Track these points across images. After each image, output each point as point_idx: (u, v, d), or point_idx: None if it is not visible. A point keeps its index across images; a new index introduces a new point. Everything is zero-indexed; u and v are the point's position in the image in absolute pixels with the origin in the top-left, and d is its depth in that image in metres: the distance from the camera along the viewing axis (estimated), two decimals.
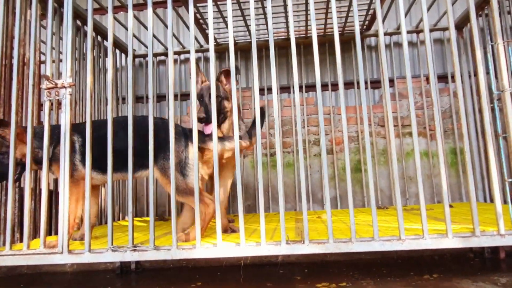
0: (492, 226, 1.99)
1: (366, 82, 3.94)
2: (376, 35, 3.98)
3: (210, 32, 2.02)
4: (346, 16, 3.53)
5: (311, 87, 4.08)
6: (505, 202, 2.72)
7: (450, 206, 3.57)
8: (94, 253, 1.94)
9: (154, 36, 2.59)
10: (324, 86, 4.01)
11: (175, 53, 4.15)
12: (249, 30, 3.63)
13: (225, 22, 3.52)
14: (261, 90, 4.10)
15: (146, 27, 3.71)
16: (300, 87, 4.01)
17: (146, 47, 4.16)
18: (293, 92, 4.01)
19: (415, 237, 1.88)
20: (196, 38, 4.03)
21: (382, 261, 3.31)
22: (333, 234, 1.92)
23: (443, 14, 3.68)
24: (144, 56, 4.17)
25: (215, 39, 3.94)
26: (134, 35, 3.73)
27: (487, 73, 3.26)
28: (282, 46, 4.04)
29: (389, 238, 1.88)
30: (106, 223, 3.37)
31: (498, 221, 1.86)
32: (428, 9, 3.63)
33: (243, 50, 4.14)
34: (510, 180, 1.96)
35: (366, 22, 3.73)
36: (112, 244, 1.93)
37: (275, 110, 1.96)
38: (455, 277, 2.61)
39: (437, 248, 1.87)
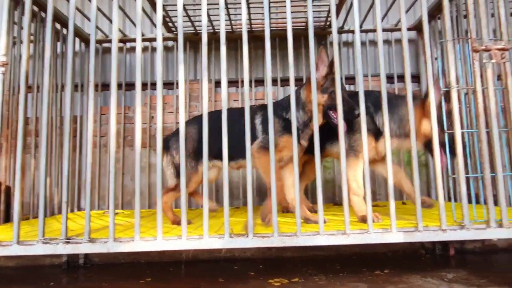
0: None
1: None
2: (350, 31, 3.99)
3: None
4: (306, 12, 3.50)
5: (259, 82, 4.04)
6: (455, 199, 2.81)
7: (403, 203, 3.63)
8: (23, 245, 1.80)
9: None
10: (274, 82, 3.98)
11: (128, 40, 4.00)
12: (211, 21, 3.54)
13: (186, 11, 3.41)
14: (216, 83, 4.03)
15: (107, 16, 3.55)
16: (250, 82, 3.96)
17: (102, 31, 3.98)
18: (242, 87, 4.05)
19: (360, 231, 1.87)
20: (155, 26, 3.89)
21: (337, 257, 3.33)
22: (278, 228, 1.87)
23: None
24: (101, 42, 3.98)
25: (176, 28, 3.82)
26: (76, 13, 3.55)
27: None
28: (228, 39, 3.97)
29: (334, 233, 1.86)
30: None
31: (440, 217, 1.87)
32: (389, 9, 3.68)
33: (192, 41, 4.05)
34: (454, 176, 1.98)
35: (329, 18, 3.71)
36: (43, 236, 1.80)
37: (223, 104, 1.90)
38: (405, 272, 2.65)
39: (381, 242, 1.87)
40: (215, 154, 2.26)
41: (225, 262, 3.23)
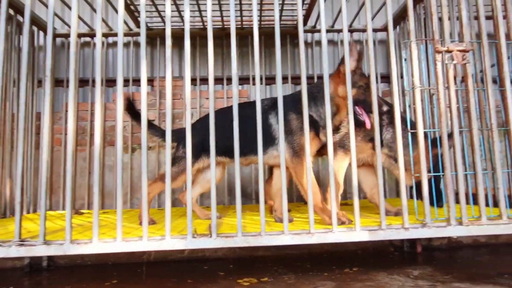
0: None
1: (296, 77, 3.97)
2: (311, 31, 4.00)
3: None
4: (281, 10, 3.49)
5: (244, 80, 4.02)
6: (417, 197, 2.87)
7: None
8: None
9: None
10: (268, 80, 3.97)
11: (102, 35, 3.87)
12: (181, 16, 3.47)
13: (155, 6, 3.33)
14: (194, 80, 3.97)
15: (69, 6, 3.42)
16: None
17: (69, 26, 3.84)
18: (227, 84, 4.01)
19: (324, 230, 1.87)
20: (125, 22, 3.79)
21: (308, 255, 3.34)
22: (242, 228, 1.85)
23: (374, 15, 3.77)
24: (67, 36, 3.84)
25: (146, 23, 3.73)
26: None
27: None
28: (217, 36, 3.92)
29: (299, 232, 1.85)
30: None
31: (403, 215, 1.89)
32: (360, 9, 3.72)
33: (176, 37, 3.96)
34: (417, 175, 2.01)
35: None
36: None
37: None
38: (373, 270, 2.68)
39: (345, 241, 1.87)
40: (221, 150, 2.25)
41: (196, 262, 3.18)
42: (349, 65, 2.06)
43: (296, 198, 3.93)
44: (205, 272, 2.83)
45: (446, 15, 1.98)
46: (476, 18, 2.10)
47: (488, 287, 2.13)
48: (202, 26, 3.64)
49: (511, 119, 1.98)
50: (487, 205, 2.01)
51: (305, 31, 4.00)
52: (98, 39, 1.85)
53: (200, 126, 2.51)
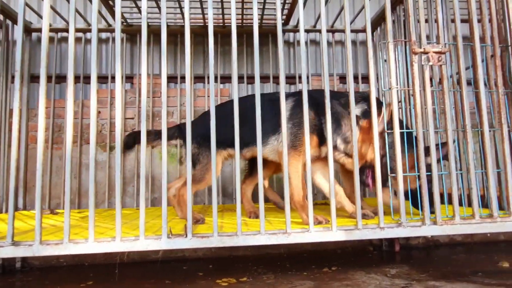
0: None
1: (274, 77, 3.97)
2: (293, 30, 3.99)
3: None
4: (263, 8, 3.48)
5: (227, 78, 3.98)
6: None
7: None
8: None
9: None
10: (240, 78, 3.94)
11: (78, 30, 3.78)
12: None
13: (135, 2, 3.27)
14: (175, 78, 3.92)
15: None
16: (216, 78, 3.90)
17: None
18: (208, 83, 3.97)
19: (301, 230, 1.87)
20: (104, 17, 3.72)
21: (288, 255, 3.35)
22: (219, 228, 1.83)
23: (355, 16, 3.79)
24: (56, 30, 3.74)
25: (124, 19, 3.66)
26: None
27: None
28: (199, 34, 3.89)
29: (276, 232, 1.84)
30: None
31: (379, 215, 1.91)
32: (341, 11, 3.73)
33: (157, 34, 3.91)
34: (393, 175, 2.03)
35: (283, 17, 3.71)
36: None
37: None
38: (352, 269, 2.70)
39: (321, 241, 1.87)
40: (231, 142, 2.21)
41: (175, 262, 3.15)
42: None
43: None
44: (184, 272, 2.81)
45: (423, 17, 2.01)
46: (453, 20, 2.13)
47: (462, 285, 2.18)
48: (183, 24, 3.59)
49: (484, 121, 2.02)
50: (461, 204, 2.04)
51: (287, 31, 4.00)
52: (71, 34, 1.80)
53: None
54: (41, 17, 3.64)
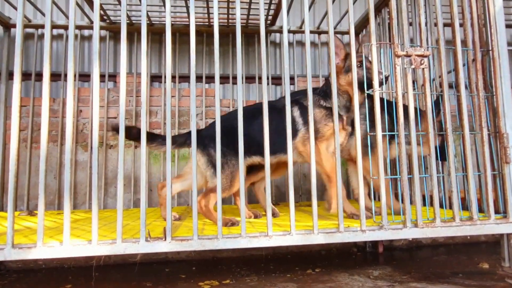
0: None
1: (267, 78, 3.92)
2: (280, 31, 3.98)
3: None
4: (249, 8, 3.45)
5: (212, 78, 3.94)
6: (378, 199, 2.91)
7: None
8: None
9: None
10: (226, 78, 3.90)
11: (59, 26, 3.70)
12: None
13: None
14: (159, 78, 3.86)
15: None
16: (201, 78, 3.86)
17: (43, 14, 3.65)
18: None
19: (282, 233, 1.85)
20: (87, 14, 3.64)
21: (273, 256, 3.33)
22: (199, 230, 1.79)
23: (341, 18, 3.80)
24: (37, 26, 3.64)
25: (108, 16, 3.59)
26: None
27: None
28: (184, 33, 3.84)
29: (257, 235, 1.82)
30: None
31: (361, 217, 1.90)
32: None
33: (140, 32, 3.84)
34: (375, 177, 2.03)
35: (270, 17, 3.69)
36: None
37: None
38: (335, 270, 2.71)
39: (302, 244, 1.85)
40: (255, 150, 2.30)
41: (157, 264, 3.11)
42: (340, 56, 2.29)
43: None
44: (166, 275, 2.77)
45: (406, 20, 2.01)
46: (436, 24, 2.14)
47: (443, 286, 2.20)
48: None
49: (465, 124, 2.03)
50: (442, 207, 2.06)
51: (273, 31, 3.98)
52: (48, 28, 1.75)
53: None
54: (38, 11, 3.56)
